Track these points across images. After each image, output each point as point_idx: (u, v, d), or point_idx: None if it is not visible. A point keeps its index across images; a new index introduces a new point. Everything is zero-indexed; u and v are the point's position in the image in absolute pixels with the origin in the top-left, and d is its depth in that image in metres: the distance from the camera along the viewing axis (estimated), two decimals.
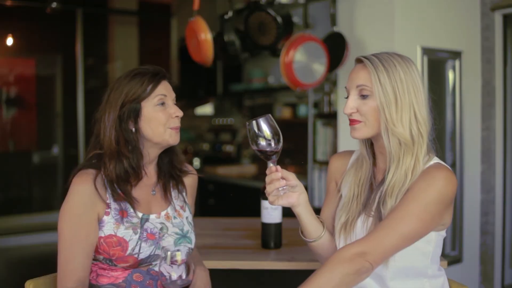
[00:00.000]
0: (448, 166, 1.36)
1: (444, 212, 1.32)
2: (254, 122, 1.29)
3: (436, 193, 1.29)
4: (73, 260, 1.38)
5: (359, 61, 1.38)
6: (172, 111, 1.49)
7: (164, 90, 1.49)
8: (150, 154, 1.52)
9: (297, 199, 1.36)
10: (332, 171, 1.56)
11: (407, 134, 1.32)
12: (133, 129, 1.47)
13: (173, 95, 1.53)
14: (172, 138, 1.49)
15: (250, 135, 1.30)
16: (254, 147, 1.31)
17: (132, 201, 1.47)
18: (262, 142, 1.29)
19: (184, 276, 1.25)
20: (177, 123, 1.50)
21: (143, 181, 1.53)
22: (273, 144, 1.29)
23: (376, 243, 1.26)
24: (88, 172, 1.45)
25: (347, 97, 1.38)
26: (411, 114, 1.32)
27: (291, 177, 1.34)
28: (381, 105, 1.32)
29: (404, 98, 1.31)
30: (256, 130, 1.29)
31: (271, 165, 1.32)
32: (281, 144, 1.31)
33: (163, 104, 1.48)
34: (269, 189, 1.33)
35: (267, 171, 1.33)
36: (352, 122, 1.37)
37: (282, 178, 1.33)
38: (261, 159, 1.34)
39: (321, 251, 1.46)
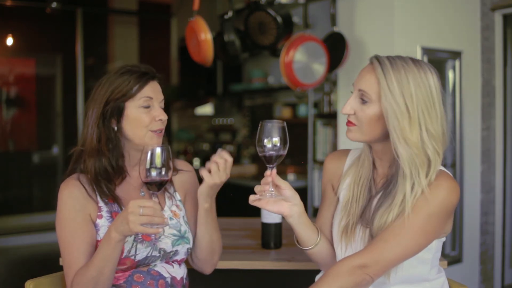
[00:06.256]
0: (450, 173, 1.32)
1: (446, 221, 1.30)
2: (267, 123, 1.30)
3: (439, 205, 1.25)
4: (75, 255, 1.38)
5: (371, 61, 1.30)
6: (156, 113, 1.46)
7: (151, 91, 1.46)
8: (133, 156, 1.50)
9: (289, 210, 1.34)
10: (328, 173, 1.51)
11: (421, 152, 1.24)
12: (115, 128, 1.45)
13: (160, 97, 1.49)
14: (152, 141, 1.46)
15: (258, 135, 1.30)
16: (259, 149, 1.31)
17: (118, 200, 1.46)
18: (268, 145, 1.29)
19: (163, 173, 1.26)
20: (159, 126, 1.47)
21: (130, 183, 1.51)
22: (274, 151, 1.30)
23: (377, 255, 1.23)
24: (73, 177, 1.46)
25: (352, 92, 1.33)
26: (423, 131, 1.25)
27: (286, 186, 1.33)
28: (393, 114, 1.23)
29: (414, 113, 1.23)
30: (266, 132, 1.29)
31: (268, 169, 1.32)
32: (283, 152, 1.31)
33: (148, 106, 1.45)
34: (256, 189, 1.32)
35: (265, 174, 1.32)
36: (348, 123, 1.34)
37: (277, 186, 1.32)
38: (261, 159, 1.34)
39: (317, 259, 1.44)
